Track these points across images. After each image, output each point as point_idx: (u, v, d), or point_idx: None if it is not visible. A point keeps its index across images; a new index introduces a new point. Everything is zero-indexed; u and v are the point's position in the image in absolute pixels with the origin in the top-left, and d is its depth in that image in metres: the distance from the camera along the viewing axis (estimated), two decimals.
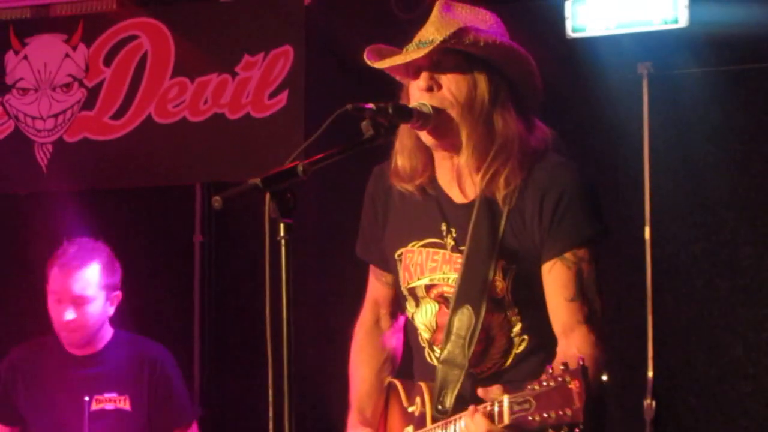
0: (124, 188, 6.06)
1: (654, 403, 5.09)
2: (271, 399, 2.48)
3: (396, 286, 3.26)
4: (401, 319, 3.40)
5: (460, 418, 2.85)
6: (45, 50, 6.12)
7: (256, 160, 5.58)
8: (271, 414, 2.48)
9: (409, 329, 3.24)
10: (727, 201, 5.27)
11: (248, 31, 5.83)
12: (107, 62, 6.03)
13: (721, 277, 5.26)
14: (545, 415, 2.54)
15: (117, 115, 5.99)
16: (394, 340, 3.41)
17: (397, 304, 3.36)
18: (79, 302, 4.49)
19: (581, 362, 2.52)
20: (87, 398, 4.46)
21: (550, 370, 2.56)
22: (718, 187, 5.29)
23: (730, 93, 5.27)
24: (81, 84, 6.06)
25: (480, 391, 2.74)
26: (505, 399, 2.65)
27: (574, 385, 2.50)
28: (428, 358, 3.16)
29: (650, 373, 5.12)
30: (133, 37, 6.00)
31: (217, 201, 2.54)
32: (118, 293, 4.63)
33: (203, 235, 5.93)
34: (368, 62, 3.03)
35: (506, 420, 2.63)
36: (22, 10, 6.22)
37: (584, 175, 3.04)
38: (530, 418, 2.57)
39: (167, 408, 4.62)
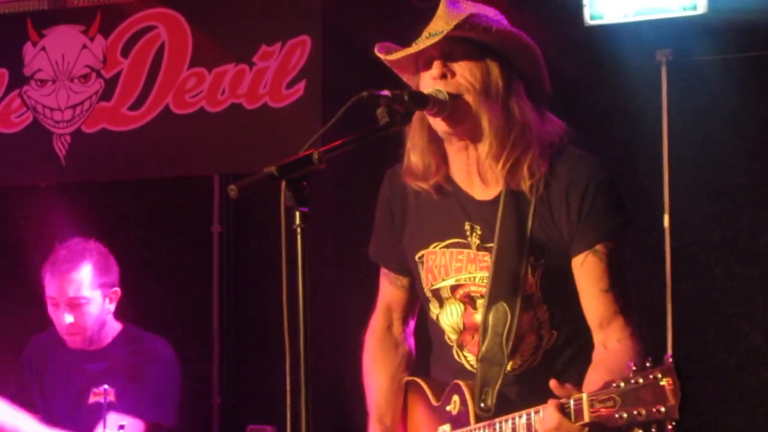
0: (143, 179, 6.07)
1: None
2: (288, 388, 2.48)
3: (413, 288, 3.26)
4: (412, 324, 3.40)
5: (522, 414, 2.82)
6: (63, 41, 6.14)
7: (274, 150, 5.57)
8: (288, 403, 2.48)
9: (434, 329, 3.22)
10: (746, 188, 5.25)
11: (265, 21, 5.83)
12: (125, 53, 6.04)
13: (740, 264, 5.25)
14: (635, 412, 2.53)
15: (135, 106, 6.00)
16: (407, 345, 3.40)
17: (409, 308, 3.36)
18: (75, 305, 4.47)
19: (671, 360, 2.52)
20: (107, 387, 4.45)
21: (634, 368, 2.55)
22: (737, 174, 5.27)
23: (749, 80, 5.25)
24: (99, 75, 6.08)
25: (553, 384, 2.72)
26: (585, 396, 2.64)
27: (667, 383, 2.50)
28: (456, 356, 3.15)
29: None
30: (151, 28, 6.01)
31: (232, 190, 2.53)
32: (116, 290, 4.58)
33: (221, 225, 5.94)
34: (380, 56, 3.02)
35: (586, 417, 2.62)
36: (39, 1, 6.25)
37: (606, 167, 3.04)
38: (617, 415, 2.55)
39: (142, 394, 4.49)
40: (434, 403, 3.18)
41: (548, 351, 3.06)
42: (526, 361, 3.06)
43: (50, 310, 4.55)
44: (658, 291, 5.18)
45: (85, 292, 4.48)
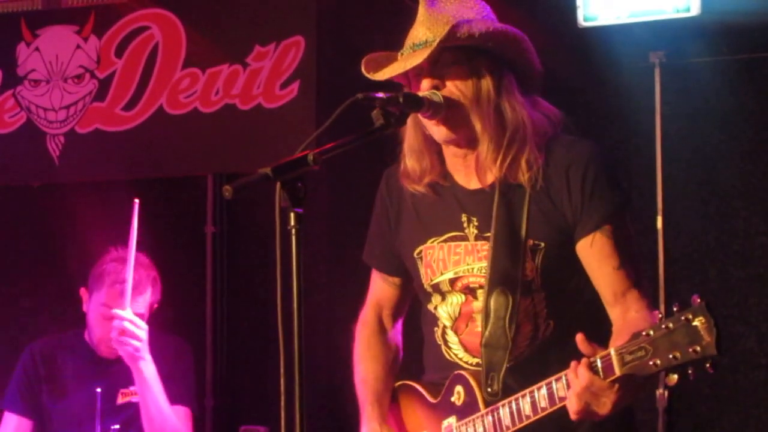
0: (136, 179, 6.06)
1: (666, 392, 5.08)
2: (282, 388, 2.48)
3: (405, 287, 3.30)
4: (400, 323, 3.42)
5: (541, 386, 2.81)
6: (56, 42, 6.12)
7: (267, 151, 5.57)
8: (282, 403, 2.48)
9: (427, 323, 3.23)
10: (740, 190, 5.26)
11: (259, 21, 5.82)
12: (119, 53, 6.03)
13: (734, 266, 5.26)
14: (670, 356, 2.48)
15: (128, 106, 5.99)
16: (397, 341, 3.42)
17: (400, 306, 3.38)
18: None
19: (699, 300, 2.49)
20: (99, 390, 4.45)
21: (660, 315, 2.52)
22: (731, 176, 5.28)
23: (742, 81, 5.27)
24: (92, 75, 6.07)
25: (579, 338, 2.70)
26: (612, 351, 2.62)
27: (699, 322, 2.46)
28: (447, 355, 3.15)
29: None
30: (145, 28, 6.00)
31: (227, 191, 2.53)
32: (156, 304, 4.65)
33: (215, 225, 5.93)
34: (367, 75, 3.01)
35: (617, 371, 2.61)
36: (33, 1, 6.24)
37: (601, 148, 3.06)
38: (651, 363, 2.52)
39: (170, 382, 4.53)
40: (433, 400, 3.18)
41: (543, 341, 3.05)
42: (522, 352, 3.04)
43: (98, 317, 4.52)
44: (652, 292, 5.18)
45: (142, 310, 4.50)
